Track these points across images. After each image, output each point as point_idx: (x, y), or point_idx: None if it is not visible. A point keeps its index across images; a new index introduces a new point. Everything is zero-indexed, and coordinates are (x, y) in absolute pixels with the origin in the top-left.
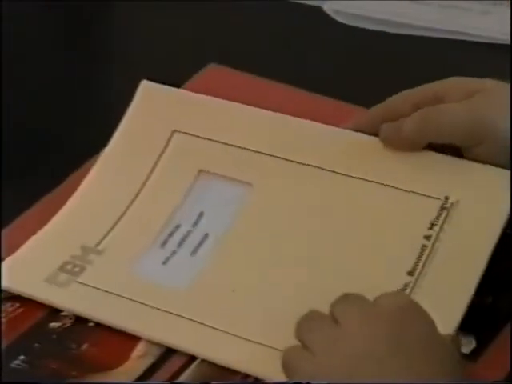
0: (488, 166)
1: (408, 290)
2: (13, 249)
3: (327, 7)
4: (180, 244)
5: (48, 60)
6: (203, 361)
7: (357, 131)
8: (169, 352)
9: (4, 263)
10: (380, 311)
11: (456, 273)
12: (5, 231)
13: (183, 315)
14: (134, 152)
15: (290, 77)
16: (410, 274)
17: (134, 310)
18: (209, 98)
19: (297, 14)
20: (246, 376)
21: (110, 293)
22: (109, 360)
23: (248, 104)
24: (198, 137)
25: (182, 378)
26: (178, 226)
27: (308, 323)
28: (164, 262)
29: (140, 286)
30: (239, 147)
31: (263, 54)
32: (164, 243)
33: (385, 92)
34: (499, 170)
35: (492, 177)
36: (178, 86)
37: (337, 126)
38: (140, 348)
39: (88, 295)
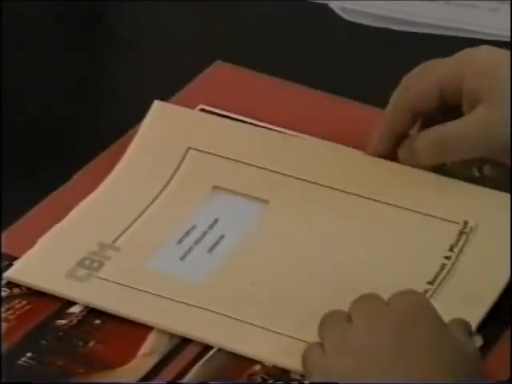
0: (504, 193)
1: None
2: (19, 247)
3: (333, 4)
4: (196, 242)
5: (48, 59)
6: (207, 360)
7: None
8: (175, 351)
9: (21, 259)
10: (390, 311)
11: (475, 287)
12: (10, 229)
13: (203, 306)
14: (148, 168)
15: (295, 74)
16: (429, 283)
17: (156, 303)
18: (221, 118)
19: (303, 12)
20: (252, 375)
21: (131, 287)
22: (115, 358)
23: (254, 101)
24: (212, 154)
25: (187, 377)
26: (194, 227)
27: (326, 321)
28: (182, 258)
29: (160, 280)
30: (253, 165)
31: (269, 52)
32: (180, 241)
33: (391, 90)
34: None
35: (508, 202)
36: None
37: (340, 123)
38: (146, 346)
39: (109, 290)
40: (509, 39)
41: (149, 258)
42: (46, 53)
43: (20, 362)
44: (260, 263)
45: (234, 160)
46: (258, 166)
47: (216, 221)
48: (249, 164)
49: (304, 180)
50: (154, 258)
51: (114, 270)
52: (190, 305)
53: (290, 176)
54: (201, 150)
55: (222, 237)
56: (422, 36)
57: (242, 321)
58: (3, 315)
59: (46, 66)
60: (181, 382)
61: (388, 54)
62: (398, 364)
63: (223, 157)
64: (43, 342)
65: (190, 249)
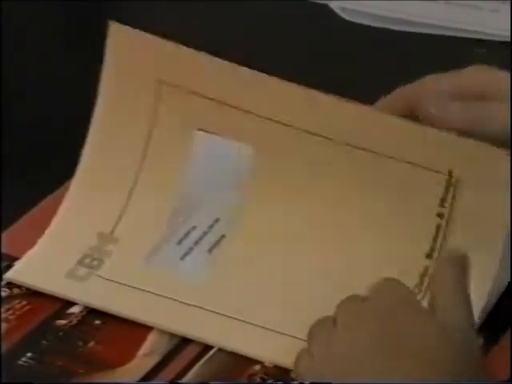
0: (487, 145)
1: (429, 273)
2: (19, 247)
3: (333, 4)
4: (196, 243)
5: (48, 59)
6: (207, 360)
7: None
8: (175, 351)
9: (22, 260)
10: (369, 309)
11: (475, 252)
12: (10, 229)
13: (203, 306)
14: (123, 118)
15: (296, 74)
16: (428, 256)
17: (156, 303)
18: (194, 51)
19: (303, 12)
20: (252, 375)
21: (131, 287)
22: (115, 358)
23: None
24: (187, 91)
25: (187, 377)
26: (194, 227)
27: (313, 327)
28: (182, 258)
29: (160, 280)
30: (236, 108)
31: (269, 52)
32: (180, 241)
33: (391, 90)
34: (501, 150)
35: (494, 156)
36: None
37: None
38: (146, 346)
39: (109, 290)
40: (509, 39)
41: (148, 256)
42: (46, 53)
43: (20, 362)
44: (260, 263)
45: (216, 101)
46: (244, 110)
47: (216, 221)
48: (233, 106)
49: (291, 126)
50: (154, 258)
51: (114, 270)
52: (190, 305)
53: (278, 122)
54: (175, 85)
55: (222, 237)
56: (422, 36)
57: (242, 321)
58: (3, 315)
59: (46, 66)
60: (181, 382)
61: (388, 54)
62: (377, 362)
63: (202, 96)
64: (43, 342)
65: (190, 249)
